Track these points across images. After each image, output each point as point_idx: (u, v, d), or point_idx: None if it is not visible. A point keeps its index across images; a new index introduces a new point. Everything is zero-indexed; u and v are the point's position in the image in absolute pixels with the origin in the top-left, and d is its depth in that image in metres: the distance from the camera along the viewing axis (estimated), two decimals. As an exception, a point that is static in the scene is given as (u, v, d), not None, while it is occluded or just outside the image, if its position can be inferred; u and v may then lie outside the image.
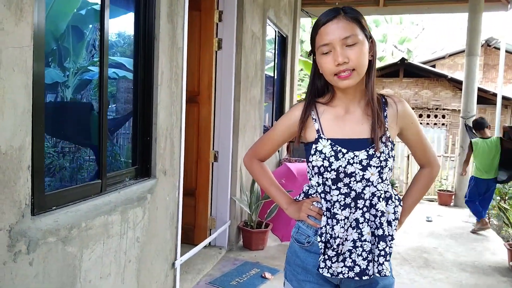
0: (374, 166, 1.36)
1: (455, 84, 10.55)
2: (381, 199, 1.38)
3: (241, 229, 4.34)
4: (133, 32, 2.65)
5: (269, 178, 1.66)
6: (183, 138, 3.06)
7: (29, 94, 1.66)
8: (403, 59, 11.45)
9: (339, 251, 1.36)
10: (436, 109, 11.01)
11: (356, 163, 1.35)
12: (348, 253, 1.37)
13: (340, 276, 1.38)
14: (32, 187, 1.70)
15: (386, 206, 1.39)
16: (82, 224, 1.98)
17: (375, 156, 1.36)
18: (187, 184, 3.77)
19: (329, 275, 1.39)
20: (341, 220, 1.36)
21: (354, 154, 1.36)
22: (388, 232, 1.37)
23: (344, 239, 1.36)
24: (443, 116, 10.96)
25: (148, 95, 2.66)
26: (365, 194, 1.37)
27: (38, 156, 1.74)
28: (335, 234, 1.36)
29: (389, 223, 1.38)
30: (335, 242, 1.36)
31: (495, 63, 12.97)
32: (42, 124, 1.78)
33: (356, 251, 1.36)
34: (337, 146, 1.38)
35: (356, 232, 1.37)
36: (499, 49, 11.27)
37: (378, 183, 1.38)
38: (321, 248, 1.39)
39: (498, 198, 5.71)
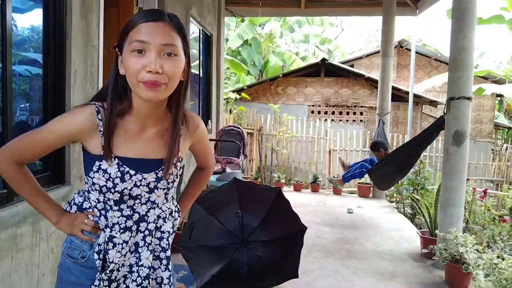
0: (161, 189, 1.29)
1: (372, 83, 11.18)
2: (166, 220, 1.33)
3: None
4: (42, 29, 2.46)
5: (34, 186, 1.31)
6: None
7: None
8: (323, 59, 11.90)
9: (113, 277, 1.25)
10: (355, 106, 11.59)
11: (144, 185, 1.26)
12: (123, 279, 1.28)
13: None
14: None
15: (170, 227, 1.34)
16: (-16, 239, 1.80)
17: (163, 179, 1.28)
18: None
19: None
20: (118, 244, 1.24)
21: (142, 176, 1.25)
22: (167, 254, 1.33)
23: (120, 265, 1.26)
24: (361, 113, 11.57)
25: (60, 96, 2.50)
26: (149, 217, 1.30)
27: None
28: (109, 259, 1.23)
29: (168, 244, 1.33)
30: (109, 267, 1.24)
31: (407, 63, 13.97)
32: None
33: (132, 276, 1.28)
34: (125, 166, 1.23)
35: (134, 256, 1.29)
36: (410, 50, 12.17)
37: (163, 204, 1.33)
38: (99, 266, 1.24)
39: (412, 188, 6.15)
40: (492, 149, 13.58)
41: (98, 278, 1.23)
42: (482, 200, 5.60)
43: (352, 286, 3.49)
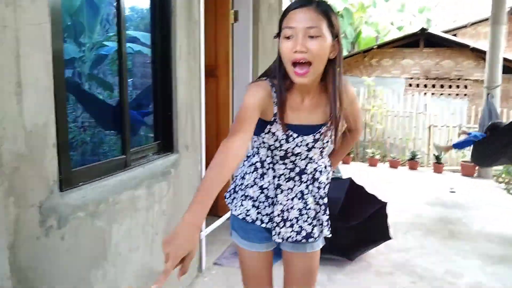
0: (317, 148, 1.54)
1: (478, 54, 10.21)
2: (322, 173, 1.59)
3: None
4: (150, 6, 2.61)
5: (219, 182, 1.23)
6: (203, 112, 3.05)
7: (49, 71, 1.65)
8: (423, 29, 11.10)
9: (285, 218, 1.56)
10: (458, 79, 10.70)
11: (303, 145, 1.52)
12: (295, 220, 1.57)
13: (290, 240, 1.58)
14: (58, 163, 1.71)
15: (325, 178, 1.60)
16: (109, 199, 2.00)
17: (319, 140, 1.52)
18: (208, 158, 3.77)
19: (280, 240, 1.57)
20: (284, 190, 1.55)
21: (303, 138, 1.51)
22: (325, 201, 1.59)
23: (290, 207, 1.56)
24: (465, 87, 10.67)
25: (167, 70, 2.64)
26: (307, 170, 1.57)
27: (62, 133, 1.74)
28: (277, 201, 1.55)
29: (325, 193, 1.60)
30: (277, 207, 1.55)
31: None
32: (64, 101, 1.77)
33: (302, 218, 1.57)
34: (289, 131, 1.49)
35: (301, 202, 1.57)
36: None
37: (319, 160, 1.58)
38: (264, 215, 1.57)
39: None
40: None
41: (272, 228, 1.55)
42: None
43: (455, 267, 3.30)
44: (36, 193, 1.60)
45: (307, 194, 1.57)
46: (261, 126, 1.50)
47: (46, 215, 1.64)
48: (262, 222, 1.58)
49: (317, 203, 1.59)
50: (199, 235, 1.18)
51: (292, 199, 1.57)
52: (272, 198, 1.57)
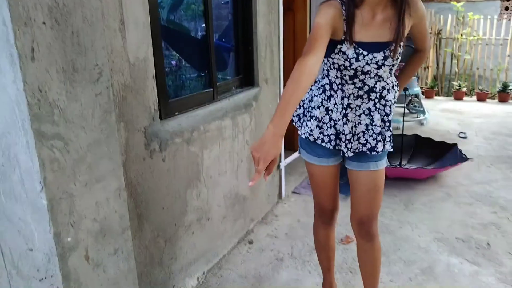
0: (387, 65, 1.56)
1: None
2: (389, 91, 1.64)
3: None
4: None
5: (293, 91, 1.35)
6: (281, 46, 3.11)
7: (146, 9, 1.82)
8: None
9: (354, 132, 1.66)
10: None
11: (373, 63, 1.54)
12: (362, 134, 1.66)
13: (356, 151, 1.67)
14: (157, 94, 1.93)
15: (392, 97, 1.66)
16: (200, 128, 2.22)
17: (389, 57, 1.54)
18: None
19: (348, 152, 1.67)
20: (353, 107, 1.64)
21: (373, 56, 1.52)
22: (390, 119, 1.66)
23: (357, 123, 1.65)
24: None
25: (248, 4, 2.71)
26: (376, 88, 1.61)
27: (159, 66, 1.94)
28: (348, 119, 1.64)
29: (390, 110, 1.66)
30: (348, 126, 1.64)
31: None
32: (159, 37, 1.95)
33: (368, 132, 1.66)
34: (359, 49, 1.51)
35: (368, 118, 1.65)
36: None
37: (387, 78, 1.62)
38: (332, 133, 1.68)
39: None
40: None
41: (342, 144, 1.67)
42: None
43: (543, 199, 3.20)
44: (141, 120, 1.84)
45: (374, 111, 1.64)
46: (332, 47, 1.53)
47: (150, 139, 1.89)
48: (323, 141, 1.69)
49: (382, 120, 1.65)
50: (281, 142, 1.37)
51: (360, 115, 1.65)
52: (335, 121, 1.65)
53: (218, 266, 2.46)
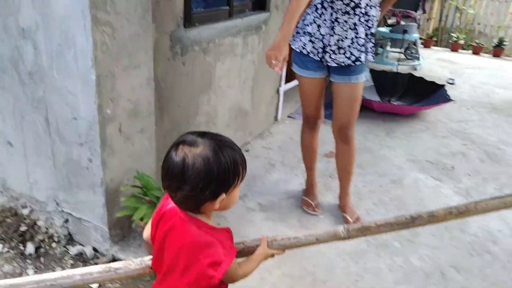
0: None
1: None
2: (371, 8, 1.94)
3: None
4: None
5: (297, 4, 1.82)
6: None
7: None
8: None
9: (340, 46, 1.97)
10: None
11: None
12: (348, 48, 1.97)
13: (342, 64, 1.99)
14: (184, 4, 2.21)
15: (374, 12, 1.95)
16: (216, 40, 2.52)
17: None
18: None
19: (334, 64, 2.00)
20: (340, 22, 1.94)
21: None
22: (372, 31, 1.98)
23: (344, 37, 1.95)
24: None
25: None
26: (361, 4, 1.91)
27: (185, -20, 2.21)
28: (334, 33, 1.95)
29: (373, 25, 1.97)
30: (333, 38, 1.96)
31: None
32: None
33: (353, 45, 1.97)
34: None
35: (353, 32, 1.95)
36: None
37: None
38: (319, 46, 2.01)
39: None
40: None
41: (328, 55, 2.00)
42: None
43: (509, 138, 3.59)
44: (169, 24, 2.14)
45: (358, 25, 1.95)
46: None
47: (175, 42, 2.20)
48: (314, 54, 2.03)
49: (366, 33, 1.97)
50: (288, 46, 1.88)
51: (346, 30, 1.95)
52: (323, 35, 1.97)
53: (220, 165, 2.87)
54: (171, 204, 1.03)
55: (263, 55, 3.11)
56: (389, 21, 6.43)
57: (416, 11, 6.25)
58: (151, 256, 1.10)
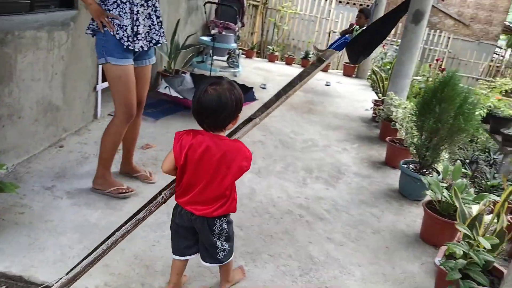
0: None
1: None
2: (157, 1, 2.50)
3: (161, 74, 4.99)
4: None
5: None
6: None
7: None
8: None
9: (147, 33, 2.45)
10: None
11: None
12: (148, 34, 2.46)
13: (145, 48, 2.44)
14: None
15: (158, 3, 2.51)
16: (15, 32, 2.53)
17: None
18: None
19: (142, 48, 2.42)
20: (140, 13, 2.38)
21: None
22: (161, 20, 2.52)
23: (144, 25, 2.40)
24: None
25: None
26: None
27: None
28: (140, 24, 2.37)
29: (160, 14, 2.52)
30: (139, 28, 2.37)
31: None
32: None
33: (152, 31, 2.48)
34: None
35: (149, 20, 2.45)
36: None
37: None
38: (130, 36, 2.36)
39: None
40: (495, 53, 13.72)
41: (131, 41, 2.38)
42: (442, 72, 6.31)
43: (300, 129, 4.34)
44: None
45: (152, 14, 2.45)
46: None
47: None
48: (129, 44, 2.36)
49: (158, 21, 2.50)
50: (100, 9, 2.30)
51: (146, 19, 2.41)
52: (129, 25, 2.33)
53: (27, 161, 2.84)
54: (191, 138, 1.59)
55: (72, 51, 3.19)
56: (213, 32, 6.98)
57: (235, 24, 6.93)
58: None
